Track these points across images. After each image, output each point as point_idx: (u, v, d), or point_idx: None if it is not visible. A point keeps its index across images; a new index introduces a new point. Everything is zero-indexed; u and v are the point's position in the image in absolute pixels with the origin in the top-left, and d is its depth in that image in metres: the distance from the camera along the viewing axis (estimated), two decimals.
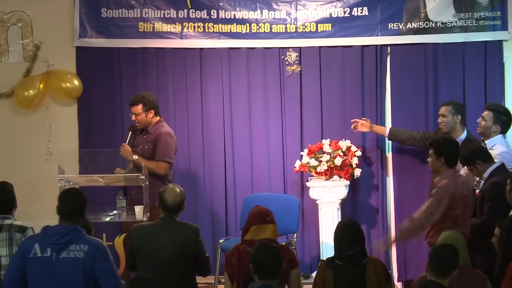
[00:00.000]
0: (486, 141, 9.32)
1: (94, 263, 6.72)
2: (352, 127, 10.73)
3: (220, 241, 10.30)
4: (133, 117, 10.00)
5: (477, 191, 8.72)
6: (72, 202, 6.91)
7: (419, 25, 10.90)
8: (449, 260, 6.63)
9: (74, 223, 6.81)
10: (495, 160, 8.68)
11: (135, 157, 9.78)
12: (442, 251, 6.74)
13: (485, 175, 8.55)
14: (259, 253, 6.63)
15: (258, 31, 11.03)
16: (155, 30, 11.10)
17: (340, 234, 7.22)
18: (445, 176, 8.45)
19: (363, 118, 10.78)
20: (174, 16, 11.03)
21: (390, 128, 10.56)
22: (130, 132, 10.01)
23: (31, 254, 6.73)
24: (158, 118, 10.13)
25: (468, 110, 10.58)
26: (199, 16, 11.02)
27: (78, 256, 6.69)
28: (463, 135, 9.76)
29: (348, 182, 10.56)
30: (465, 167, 8.96)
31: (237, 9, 10.99)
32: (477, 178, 8.82)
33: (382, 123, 10.94)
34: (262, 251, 6.66)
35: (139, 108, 9.95)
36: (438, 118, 10.02)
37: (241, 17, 11.00)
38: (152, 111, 10.03)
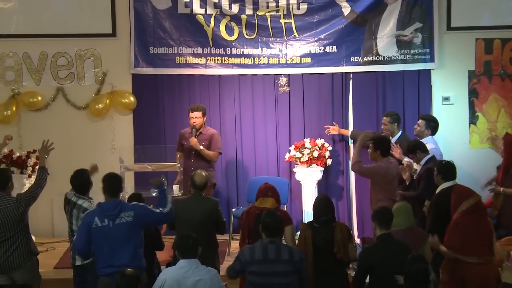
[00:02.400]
0: (421, 140, 9.58)
1: (141, 221, 7.05)
2: (326, 131, 11.03)
3: (233, 209, 10.60)
4: (193, 120, 10.23)
5: (415, 176, 9.12)
6: (115, 183, 7.22)
7: (372, 58, 11.17)
8: (390, 216, 7.01)
9: (118, 197, 7.16)
10: (429, 153, 9.12)
11: (201, 147, 10.15)
12: (384, 211, 7.12)
13: (422, 162, 9.00)
14: (267, 218, 6.82)
15: (259, 62, 11.24)
16: (187, 62, 11.23)
17: (317, 205, 7.55)
18: (381, 162, 8.93)
19: (333, 123, 11.08)
20: (201, 52, 11.21)
21: (352, 131, 10.94)
22: (195, 130, 10.21)
23: (93, 225, 6.98)
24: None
25: (406, 118, 10.98)
26: (218, 52, 11.22)
27: (129, 220, 6.99)
28: (399, 134, 10.09)
29: (322, 168, 10.91)
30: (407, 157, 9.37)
31: (245, 47, 11.18)
32: (415, 167, 9.20)
33: (346, 127, 11.21)
34: (269, 217, 6.84)
35: (200, 113, 10.26)
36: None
37: (247, 53, 11.20)
38: (205, 117, 10.41)
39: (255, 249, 6.73)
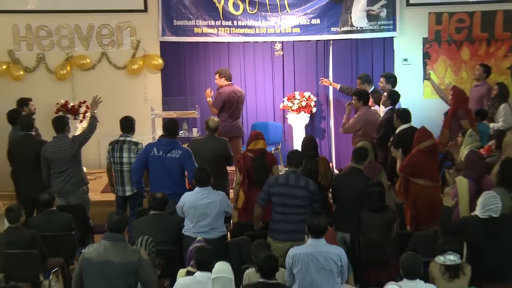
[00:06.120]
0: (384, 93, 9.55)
1: (184, 160, 7.49)
2: (320, 82, 11.15)
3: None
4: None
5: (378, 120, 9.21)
6: (173, 127, 7.66)
7: (348, 29, 11.35)
8: (362, 154, 7.11)
9: (174, 137, 7.63)
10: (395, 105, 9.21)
11: (209, 99, 10.16)
12: (359, 149, 7.25)
13: (384, 110, 9.17)
14: (290, 154, 6.80)
15: (259, 32, 11.39)
16: (203, 32, 11.38)
17: (304, 143, 7.80)
18: (362, 110, 9.01)
19: (326, 77, 11.26)
20: (213, 24, 11.35)
21: (340, 85, 10.93)
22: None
23: (151, 153, 7.51)
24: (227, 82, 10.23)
25: (375, 76, 10.89)
26: (227, 24, 11.37)
27: (176, 156, 7.48)
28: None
29: (309, 115, 11.26)
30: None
31: (248, 20, 11.32)
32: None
33: None
34: (291, 153, 6.81)
35: (216, 75, 10.21)
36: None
37: (250, 25, 11.36)
38: (221, 78, 10.13)
39: (279, 176, 6.78)
